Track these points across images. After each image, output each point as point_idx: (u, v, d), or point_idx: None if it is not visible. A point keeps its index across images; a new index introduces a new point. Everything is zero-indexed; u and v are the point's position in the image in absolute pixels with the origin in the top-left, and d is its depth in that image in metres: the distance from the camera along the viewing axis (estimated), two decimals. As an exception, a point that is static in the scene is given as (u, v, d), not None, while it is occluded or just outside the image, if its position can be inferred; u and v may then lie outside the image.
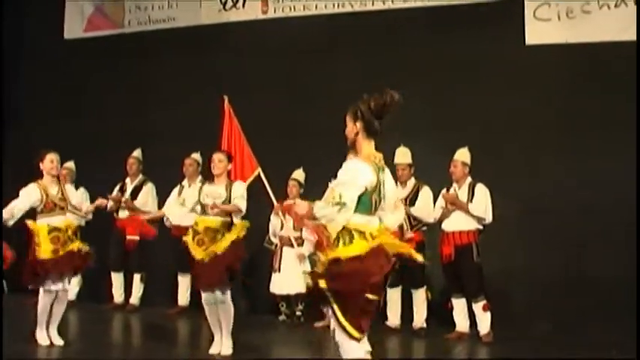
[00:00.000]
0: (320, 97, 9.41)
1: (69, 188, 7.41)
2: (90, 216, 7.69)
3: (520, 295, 8.57)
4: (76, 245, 7.04)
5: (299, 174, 8.93)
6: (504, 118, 8.81)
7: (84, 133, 10.57)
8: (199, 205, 6.90)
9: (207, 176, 7.30)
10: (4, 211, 6.83)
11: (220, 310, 6.82)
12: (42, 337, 7.02)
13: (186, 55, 10.36)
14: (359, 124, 4.49)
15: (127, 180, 9.77)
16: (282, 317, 8.96)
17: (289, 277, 8.60)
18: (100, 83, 10.88)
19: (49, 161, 7.04)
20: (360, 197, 4.38)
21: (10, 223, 6.90)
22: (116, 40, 11.02)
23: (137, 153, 9.78)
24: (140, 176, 9.75)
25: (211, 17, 10.37)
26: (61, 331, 7.21)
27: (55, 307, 7.04)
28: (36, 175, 7.12)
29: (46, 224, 6.96)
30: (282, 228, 8.83)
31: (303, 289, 7.70)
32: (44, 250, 6.91)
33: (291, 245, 8.67)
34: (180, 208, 7.12)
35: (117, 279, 9.70)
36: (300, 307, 8.79)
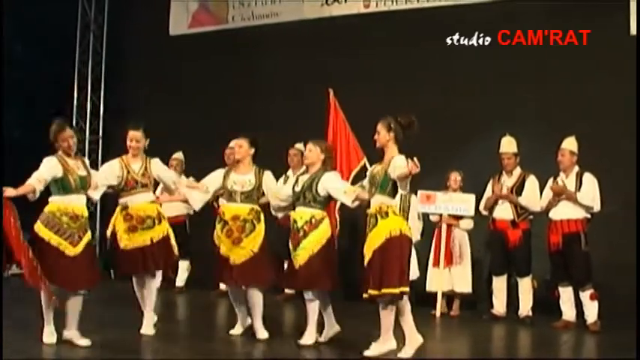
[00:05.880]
0: (424, 90, 9.48)
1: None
2: None
3: (628, 287, 8.47)
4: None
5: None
6: (609, 108, 8.77)
7: (188, 126, 10.93)
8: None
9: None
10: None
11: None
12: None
13: (290, 50, 10.61)
14: (391, 134, 6.04)
15: None
16: None
17: None
18: (204, 78, 11.23)
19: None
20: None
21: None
22: (220, 36, 11.37)
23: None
24: None
25: (314, 12, 10.59)
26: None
27: None
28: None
29: None
30: None
31: None
32: None
33: None
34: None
35: None
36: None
